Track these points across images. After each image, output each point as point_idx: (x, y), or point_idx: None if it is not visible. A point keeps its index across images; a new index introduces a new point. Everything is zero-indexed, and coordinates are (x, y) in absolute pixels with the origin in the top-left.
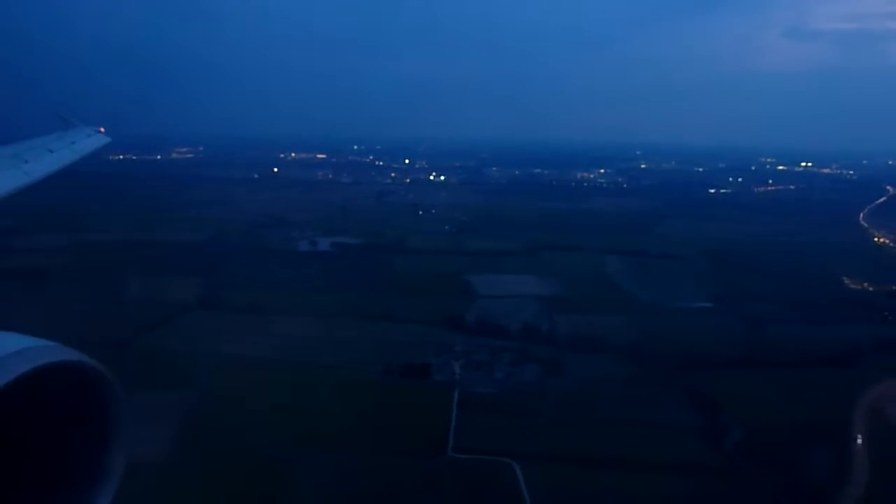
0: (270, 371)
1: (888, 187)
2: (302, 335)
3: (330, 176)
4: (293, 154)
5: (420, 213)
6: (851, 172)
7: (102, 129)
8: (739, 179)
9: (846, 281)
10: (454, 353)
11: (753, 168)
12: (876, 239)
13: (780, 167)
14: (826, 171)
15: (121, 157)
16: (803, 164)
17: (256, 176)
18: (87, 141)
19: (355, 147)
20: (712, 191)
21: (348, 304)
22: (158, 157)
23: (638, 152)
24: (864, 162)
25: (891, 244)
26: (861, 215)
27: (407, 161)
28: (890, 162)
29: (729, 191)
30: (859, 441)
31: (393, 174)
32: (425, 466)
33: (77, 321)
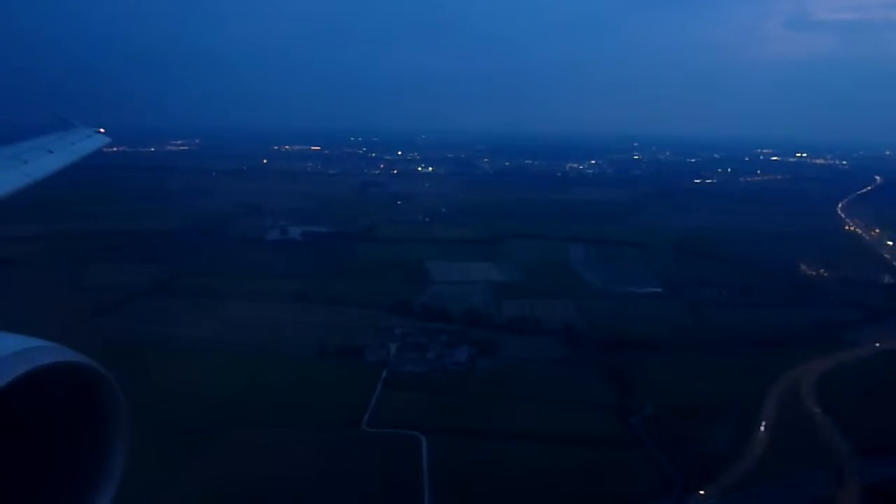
0: (208, 352)
1: (876, 177)
2: (250, 319)
3: (318, 167)
4: (287, 146)
5: (399, 203)
6: (844, 162)
7: (102, 130)
8: (728, 170)
9: (803, 267)
10: (394, 335)
11: (747, 158)
12: (846, 227)
13: (774, 157)
14: (819, 161)
15: (115, 149)
16: (798, 154)
17: (245, 167)
18: (87, 141)
19: (353, 139)
20: (697, 181)
21: (303, 289)
22: (153, 149)
23: (635, 143)
24: (861, 152)
25: (860, 232)
26: (840, 204)
27: (399, 153)
28: (887, 152)
29: (714, 181)
30: (762, 419)
31: (382, 165)
32: (335, 440)
33: (33, 305)
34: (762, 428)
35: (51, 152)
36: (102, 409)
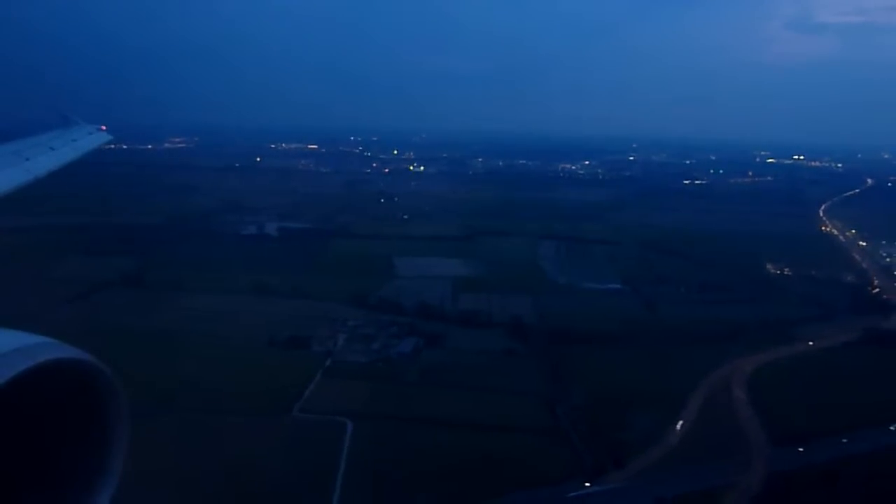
0: (161, 341)
1: (868, 179)
2: (208, 310)
3: (310, 165)
4: (285, 144)
5: (382, 200)
6: (839, 165)
7: (104, 127)
8: (720, 171)
9: (768, 266)
10: (345, 326)
11: (742, 160)
12: (823, 228)
13: (770, 160)
14: (815, 163)
15: (112, 146)
16: (795, 156)
17: (237, 165)
18: (89, 139)
19: (352, 138)
20: (687, 181)
21: (266, 282)
22: (150, 146)
23: (634, 145)
24: (859, 155)
25: (835, 233)
26: (824, 206)
27: (395, 152)
28: (886, 155)
29: (704, 182)
30: (687, 410)
31: (374, 164)
32: (264, 424)
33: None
34: (684, 418)
35: (52, 149)
36: (102, 405)
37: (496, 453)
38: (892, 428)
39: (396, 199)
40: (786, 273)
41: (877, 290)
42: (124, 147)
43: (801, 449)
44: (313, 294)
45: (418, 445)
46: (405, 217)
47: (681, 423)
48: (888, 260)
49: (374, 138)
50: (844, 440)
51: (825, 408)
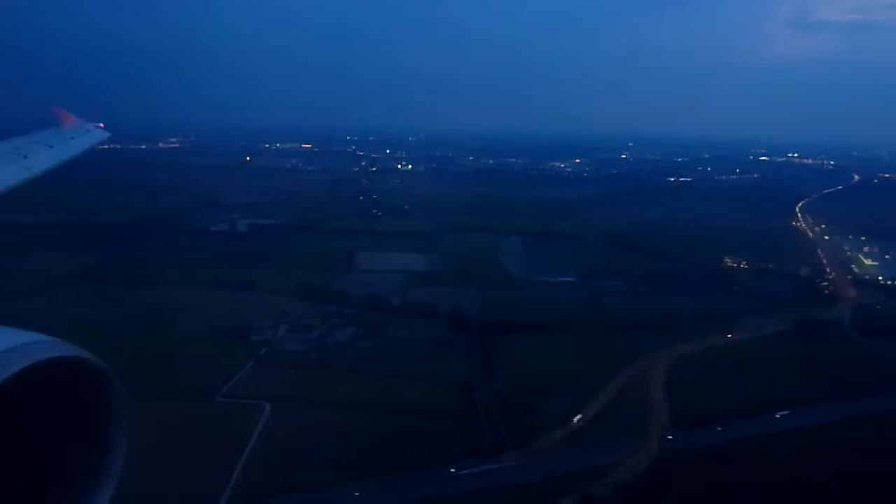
0: (102, 331)
1: (855, 176)
2: (158, 302)
3: (299, 164)
4: (279, 144)
5: (360, 198)
6: (832, 163)
7: (102, 125)
8: (708, 168)
9: (726, 260)
10: (289, 318)
11: (735, 158)
12: (794, 223)
13: (763, 158)
14: (807, 161)
15: (106, 146)
16: (789, 154)
17: (226, 164)
18: (87, 136)
19: (349, 137)
20: (672, 179)
21: (224, 276)
22: (143, 146)
23: (630, 143)
24: (854, 153)
25: (804, 227)
26: (802, 202)
27: (388, 151)
28: (881, 153)
29: (689, 179)
30: (602, 395)
31: (363, 163)
32: (182, 409)
33: None
34: (597, 403)
35: (50, 147)
36: (103, 404)
37: (400, 434)
38: (777, 416)
39: (375, 196)
40: (742, 267)
41: (825, 282)
42: (118, 147)
43: (693, 432)
44: (267, 287)
45: (325, 427)
46: (378, 214)
47: (591, 406)
48: (849, 254)
49: (372, 138)
50: (735, 425)
51: (731, 395)
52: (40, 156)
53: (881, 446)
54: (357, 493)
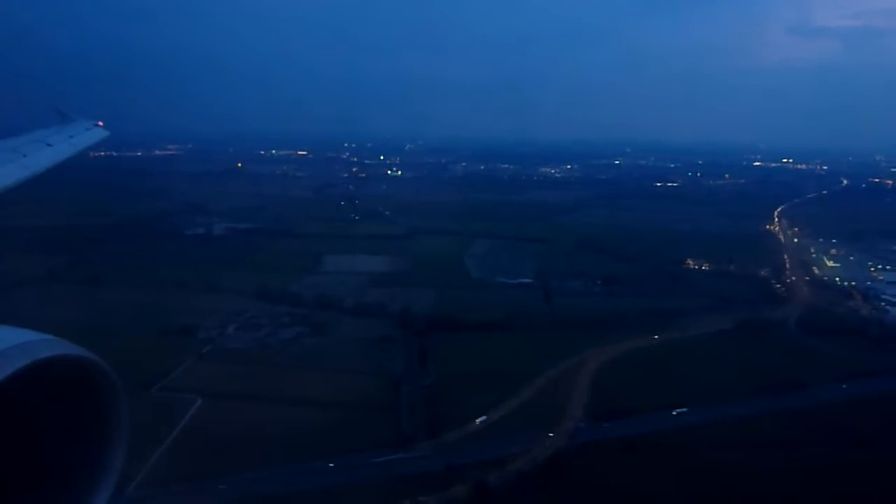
0: (53, 330)
1: (844, 180)
2: (118, 302)
3: (289, 170)
4: (275, 151)
5: (342, 203)
6: (825, 168)
7: (101, 124)
8: (698, 174)
9: (689, 262)
10: (240, 317)
11: (728, 164)
12: (768, 227)
13: (757, 163)
14: (801, 166)
15: (102, 153)
16: (784, 160)
17: (217, 170)
18: (86, 135)
19: (346, 144)
20: (658, 184)
21: (188, 277)
22: (139, 153)
23: (628, 149)
24: (850, 158)
25: (776, 231)
26: (782, 206)
27: (382, 157)
28: (878, 157)
29: (676, 184)
30: (528, 390)
31: (354, 169)
32: None
33: None
34: (519, 396)
35: (49, 145)
36: (102, 403)
37: (322, 426)
38: (674, 413)
39: (357, 201)
40: (702, 268)
41: (781, 284)
42: (114, 154)
43: (606, 425)
44: (228, 289)
45: (249, 419)
46: (356, 218)
47: (513, 399)
48: (814, 256)
49: (370, 144)
50: (638, 420)
51: (647, 392)
52: (39, 154)
53: (765, 440)
54: (263, 479)
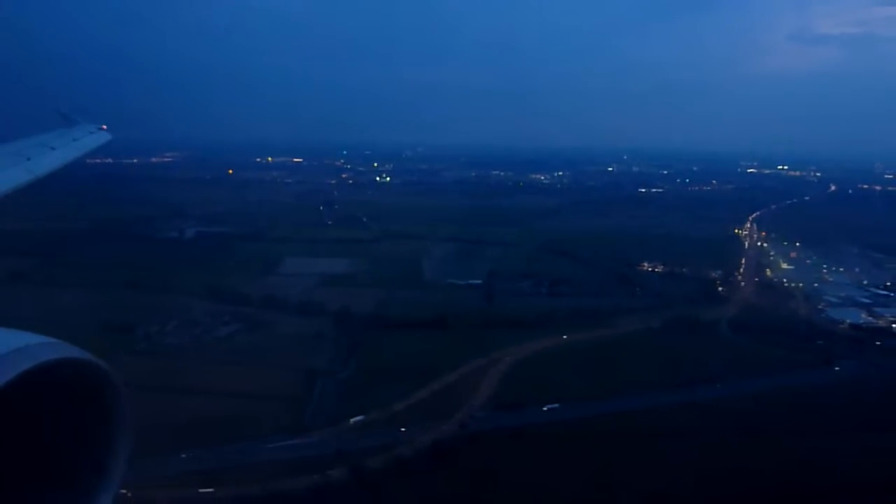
0: (7, 326)
1: (832, 186)
2: (69, 301)
3: (279, 177)
4: (271, 158)
5: (321, 208)
6: (818, 174)
7: (105, 127)
8: (686, 180)
9: (644, 264)
10: (183, 315)
11: (722, 171)
12: (738, 231)
13: (751, 170)
14: (795, 173)
15: (97, 160)
16: (779, 166)
17: (207, 177)
18: (90, 138)
19: (344, 151)
20: (642, 190)
21: (143, 278)
22: (135, 160)
23: (625, 156)
24: (848, 165)
25: (743, 235)
26: (759, 211)
27: (375, 164)
28: (877, 165)
29: (661, 190)
30: (439, 384)
31: (344, 175)
32: None
33: None
34: (429, 389)
35: (53, 149)
36: (106, 406)
37: (227, 416)
38: (545, 409)
39: (336, 207)
40: (655, 270)
41: (727, 285)
42: (109, 161)
43: (500, 416)
44: (181, 289)
45: (162, 409)
46: (329, 223)
47: (422, 392)
48: (772, 259)
49: (367, 152)
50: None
51: (557, 386)
52: (43, 157)
53: (650, 431)
54: (151, 465)
